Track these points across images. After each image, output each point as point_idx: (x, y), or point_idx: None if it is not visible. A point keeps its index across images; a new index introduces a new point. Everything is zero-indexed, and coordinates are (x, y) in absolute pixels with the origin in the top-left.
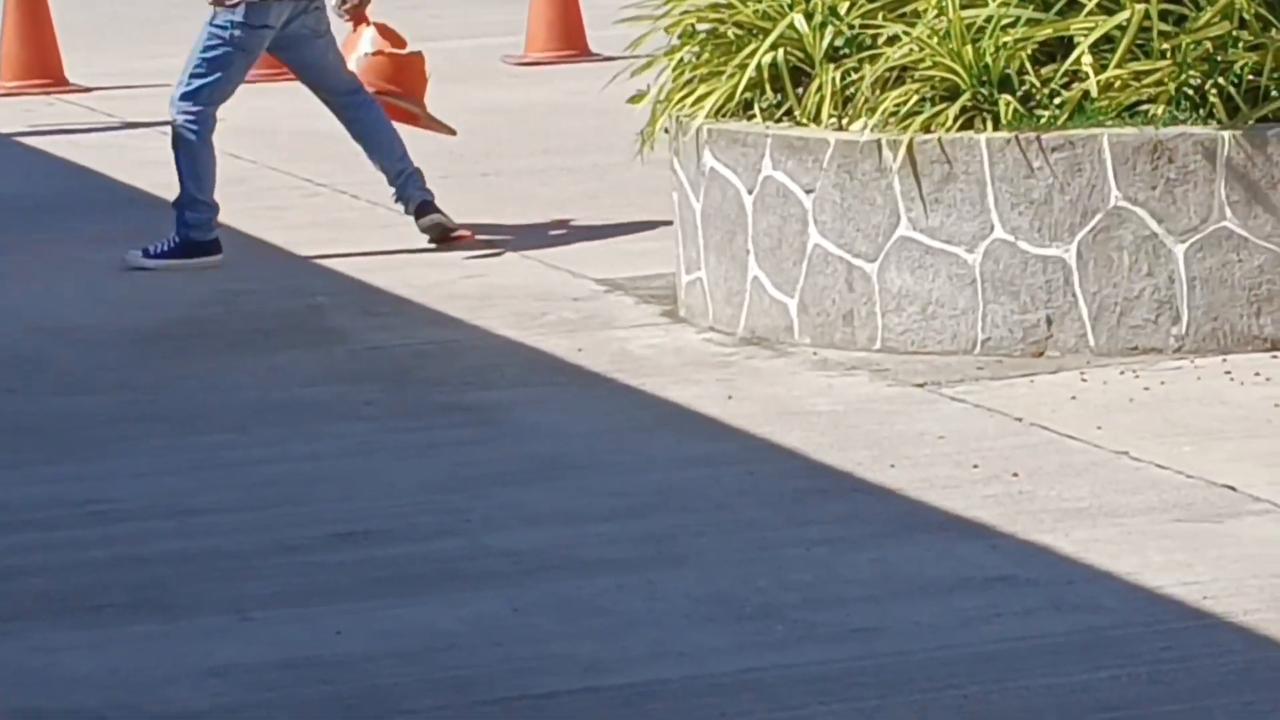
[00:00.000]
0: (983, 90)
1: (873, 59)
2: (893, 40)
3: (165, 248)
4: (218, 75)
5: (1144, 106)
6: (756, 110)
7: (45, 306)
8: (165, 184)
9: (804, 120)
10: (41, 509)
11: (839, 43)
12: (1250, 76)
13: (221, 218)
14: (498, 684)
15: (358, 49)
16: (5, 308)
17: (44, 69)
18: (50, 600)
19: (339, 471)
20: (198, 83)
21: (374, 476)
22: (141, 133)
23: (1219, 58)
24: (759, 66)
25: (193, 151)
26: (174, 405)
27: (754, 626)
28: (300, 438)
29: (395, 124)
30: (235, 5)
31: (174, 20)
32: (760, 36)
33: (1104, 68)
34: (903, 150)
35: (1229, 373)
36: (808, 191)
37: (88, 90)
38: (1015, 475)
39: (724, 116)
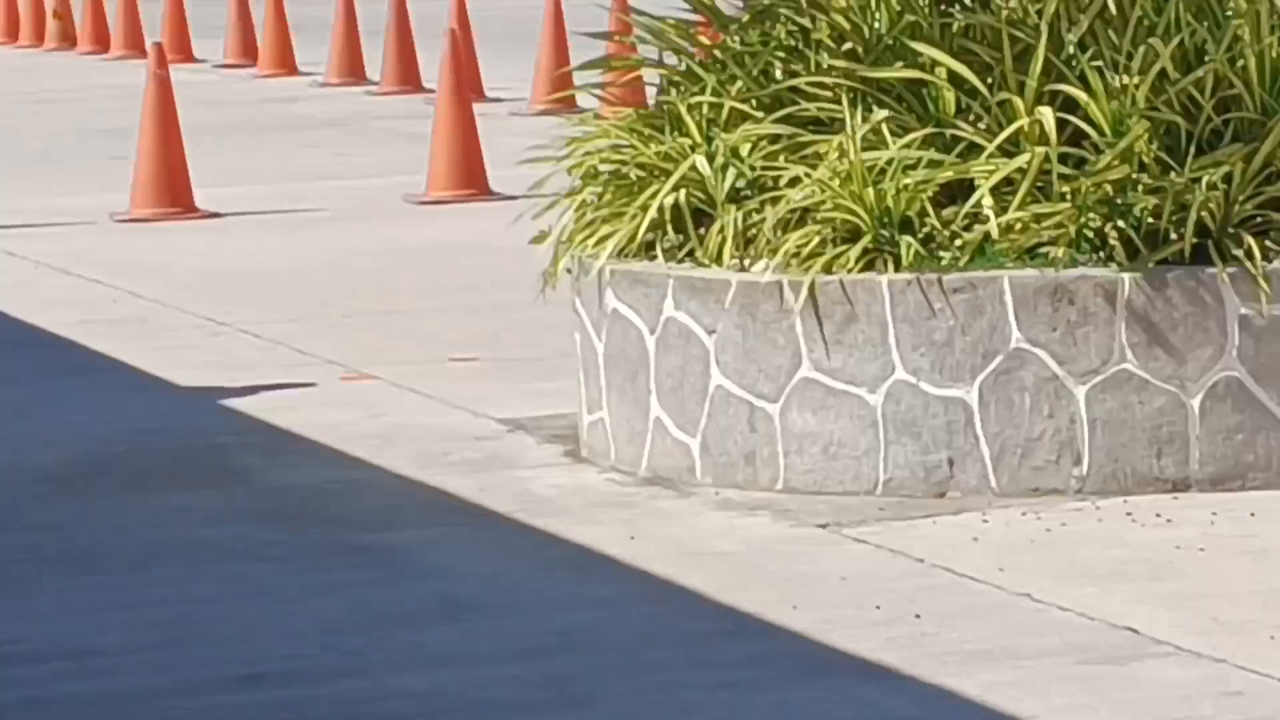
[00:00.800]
0: (884, 232)
1: (774, 200)
2: (794, 182)
3: None
4: None
5: (1045, 248)
6: (658, 251)
7: None
8: (71, 323)
9: (706, 261)
10: None
11: (741, 184)
12: (1150, 219)
13: (125, 357)
14: None
15: None
16: None
17: None
18: None
19: (241, 612)
20: None
21: (276, 617)
22: (46, 271)
23: (1119, 200)
24: (661, 208)
25: None
26: (75, 544)
27: None
28: (202, 578)
29: None
30: None
31: (56, 159)
32: (662, 178)
33: (1005, 210)
34: (804, 291)
35: (1130, 514)
36: (710, 332)
37: None
38: (918, 617)
39: (626, 257)
